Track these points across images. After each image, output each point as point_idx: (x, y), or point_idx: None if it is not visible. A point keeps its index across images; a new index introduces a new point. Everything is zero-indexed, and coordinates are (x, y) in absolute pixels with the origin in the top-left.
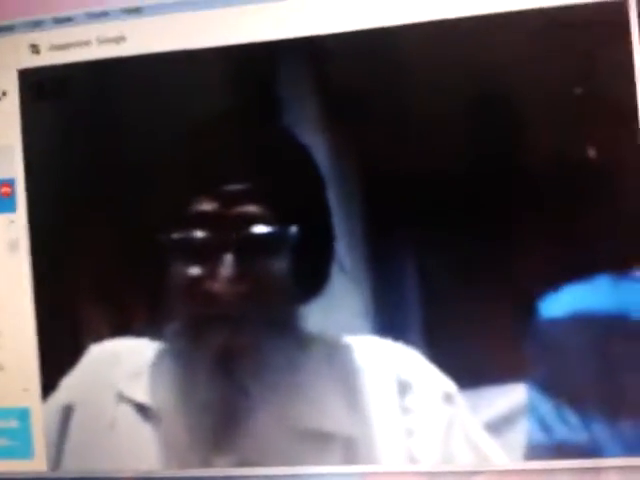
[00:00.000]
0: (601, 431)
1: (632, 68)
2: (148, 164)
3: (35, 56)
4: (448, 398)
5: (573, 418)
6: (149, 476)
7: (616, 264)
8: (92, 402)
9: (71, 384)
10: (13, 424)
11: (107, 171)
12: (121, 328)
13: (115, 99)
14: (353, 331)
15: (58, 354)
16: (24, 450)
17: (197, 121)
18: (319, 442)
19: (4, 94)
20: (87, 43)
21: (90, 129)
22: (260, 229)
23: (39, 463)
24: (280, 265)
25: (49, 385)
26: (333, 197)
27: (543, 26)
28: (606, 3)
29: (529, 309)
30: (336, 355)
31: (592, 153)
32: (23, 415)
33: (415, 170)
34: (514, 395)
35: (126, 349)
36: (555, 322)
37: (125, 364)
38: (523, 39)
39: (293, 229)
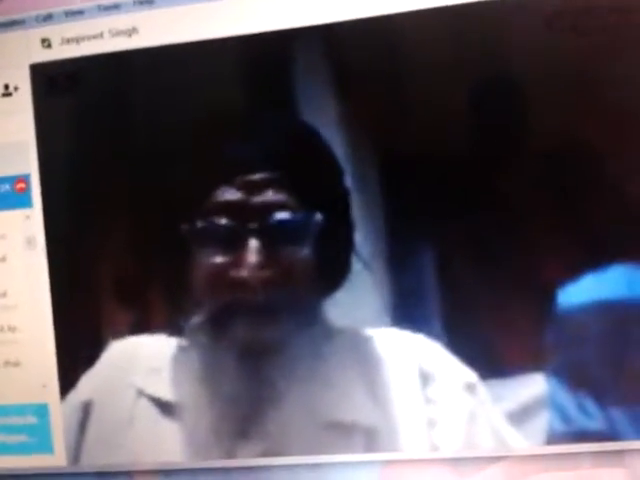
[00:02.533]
0: (621, 418)
1: None
2: (166, 155)
3: (47, 50)
4: (470, 388)
5: (593, 407)
6: (171, 468)
7: (634, 251)
8: (111, 398)
9: (91, 380)
10: (32, 420)
11: (124, 163)
12: (141, 323)
13: (131, 91)
14: (375, 324)
15: (77, 350)
16: (43, 445)
17: (215, 111)
18: (342, 432)
19: (16, 89)
20: (99, 36)
21: (105, 122)
22: (282, 216)
23: (59, 458)
24: (303, 253)
25: (68, 382)
26: (352, 187)
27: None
28: None
29: (548, 299)
30: (359, 347)
31: (608, 142)
32: (42, 411)
33: (434, 160)
34: (534, 385)
35: (146, 345)
36: (573, 312)
37: (144, 360)
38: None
39: (313, 217)
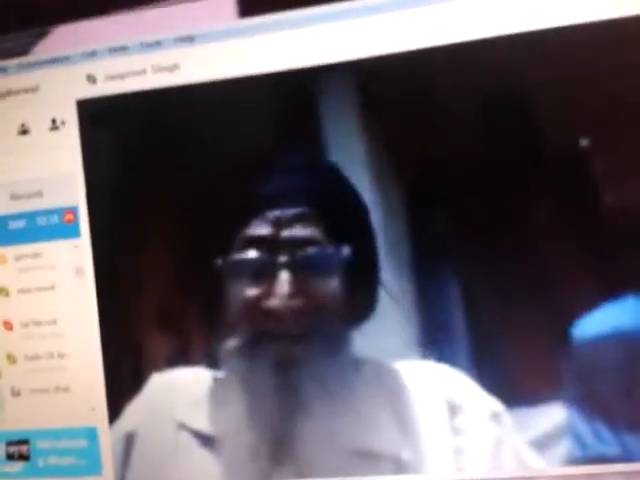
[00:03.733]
0: (635, 443)
1: None
2: (202, 189)
3: (92, 86)
4: (496, 417)
5: (607, 434)
6: None
7: None
8: (153, 431)
9: (134, 412)
10: (82, 443)
11: (164, 197)
12: (181, 355)
13: (169, 125)
14: (402, 355)
15: (123, 379)
16: (92, 468)
17: (247, 147)
18: (369, 460)
19: (63, 123)
20: (142, 72)
21: (146, 155)
22: (311, 250)
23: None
24: (331, 285)
25: (115, 408)
26: (378, 223)
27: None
28: None
29: (566, 332)
30: (386, 378)
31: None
32: (91, 434)
33: (457, 199)
34: (554, 414)
35: (185, 378)
36: (589, 344)
37: (184, 393)
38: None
39: (340, 251)
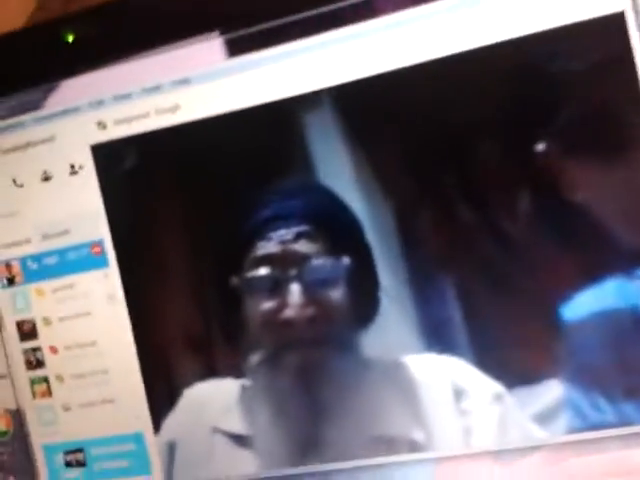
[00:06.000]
0: (631, 409)
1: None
2: (213, 217)
3: (103, 131)
4: (498, 398)
5: (604, 404)
6: (250, 478)
7: (622, 265)
8: (191, 437)
9: (171, 424)
10: (130, 447)
11: (179, 225)
12: (209, 371)
13: (177, 160)
14: (407, 350)
15: (159, 396)
16: (143, 468)
17: (249, 176)
18: (387, 444)
19: (81, 167)
20: (146, 115)
21: (159, 189)
22: (315, 262)
23: (157, 477)
24: (337, 292)
25: (156, 422)
26: (372, 234)
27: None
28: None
29: (555, 314)
30: (395, 372)
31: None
32: (138, 438)
33: (443, 203)
34: (552, 390)
35: (215, 388)
36: (577, 323)
37: (216, 402)
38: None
39: (341, 261)
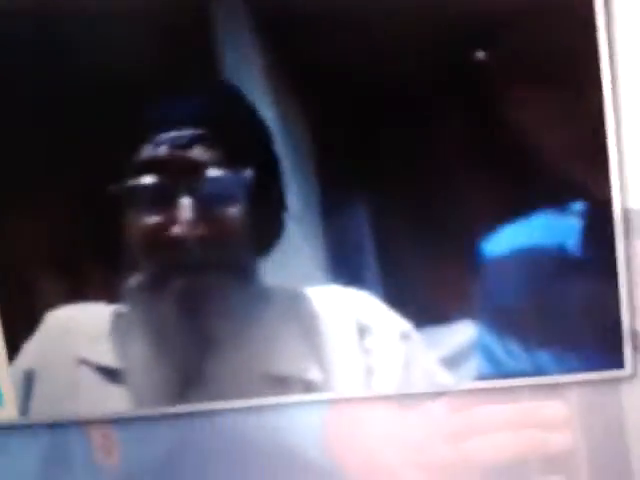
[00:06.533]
0: (545, 358)
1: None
2: (91, 115)
3: None
4: (405, 337)
5: (518, 350)
6: (120, 417)
7: (552, 200)
8: (52, 368)
9: (30, 351)
10: None
11: (49, 124)
12: (76, 293)
13: (58, 55)
14: (311, 281)
15: (16, 321)
16: None
17: (140, 71)
18: (279, 383)
19: None
20: None
21: (34, 80)
22: (212, 173)
23: (9, 411)
24: (236, 211)
25: (11, 349)
26: (282, 146)
27: None
28: None
29: (474, 250)
30: (297, 304)
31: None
32: None
33: (362, 117)
34: (464, 332)
35: (83, 314)
36: (497, 261)
37: (83, 329)
38: None
39: (242, 174)
